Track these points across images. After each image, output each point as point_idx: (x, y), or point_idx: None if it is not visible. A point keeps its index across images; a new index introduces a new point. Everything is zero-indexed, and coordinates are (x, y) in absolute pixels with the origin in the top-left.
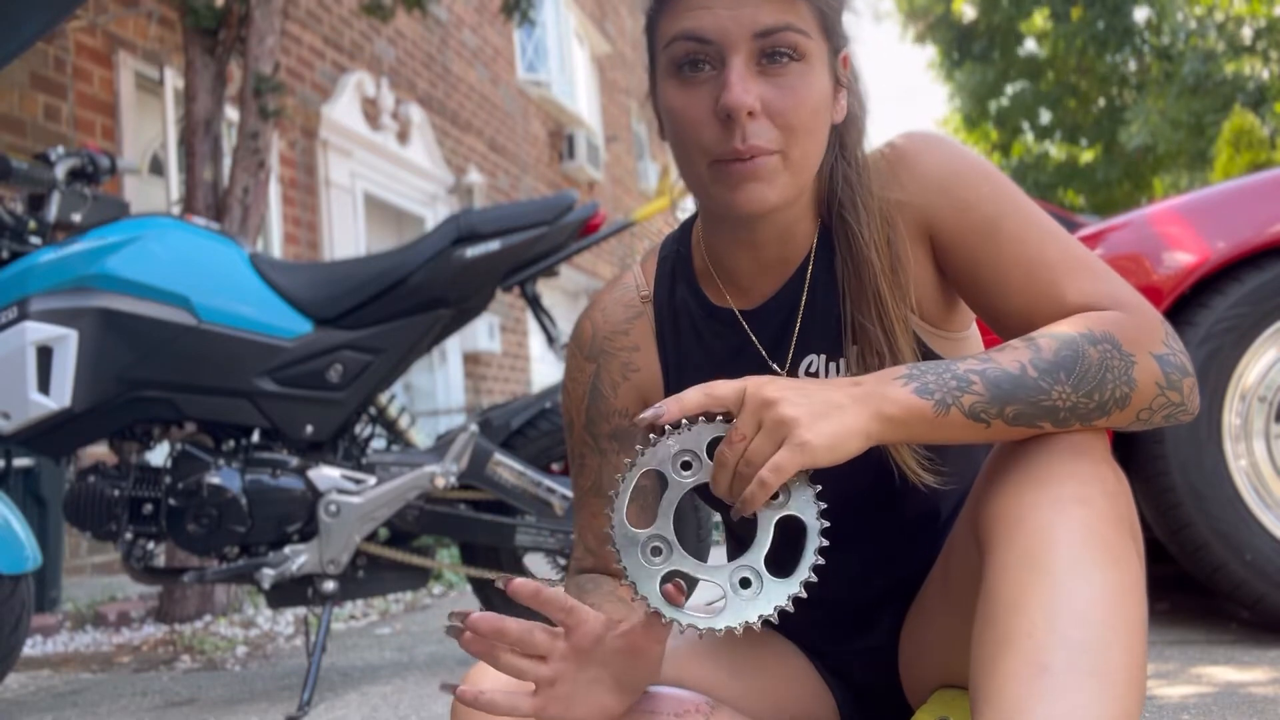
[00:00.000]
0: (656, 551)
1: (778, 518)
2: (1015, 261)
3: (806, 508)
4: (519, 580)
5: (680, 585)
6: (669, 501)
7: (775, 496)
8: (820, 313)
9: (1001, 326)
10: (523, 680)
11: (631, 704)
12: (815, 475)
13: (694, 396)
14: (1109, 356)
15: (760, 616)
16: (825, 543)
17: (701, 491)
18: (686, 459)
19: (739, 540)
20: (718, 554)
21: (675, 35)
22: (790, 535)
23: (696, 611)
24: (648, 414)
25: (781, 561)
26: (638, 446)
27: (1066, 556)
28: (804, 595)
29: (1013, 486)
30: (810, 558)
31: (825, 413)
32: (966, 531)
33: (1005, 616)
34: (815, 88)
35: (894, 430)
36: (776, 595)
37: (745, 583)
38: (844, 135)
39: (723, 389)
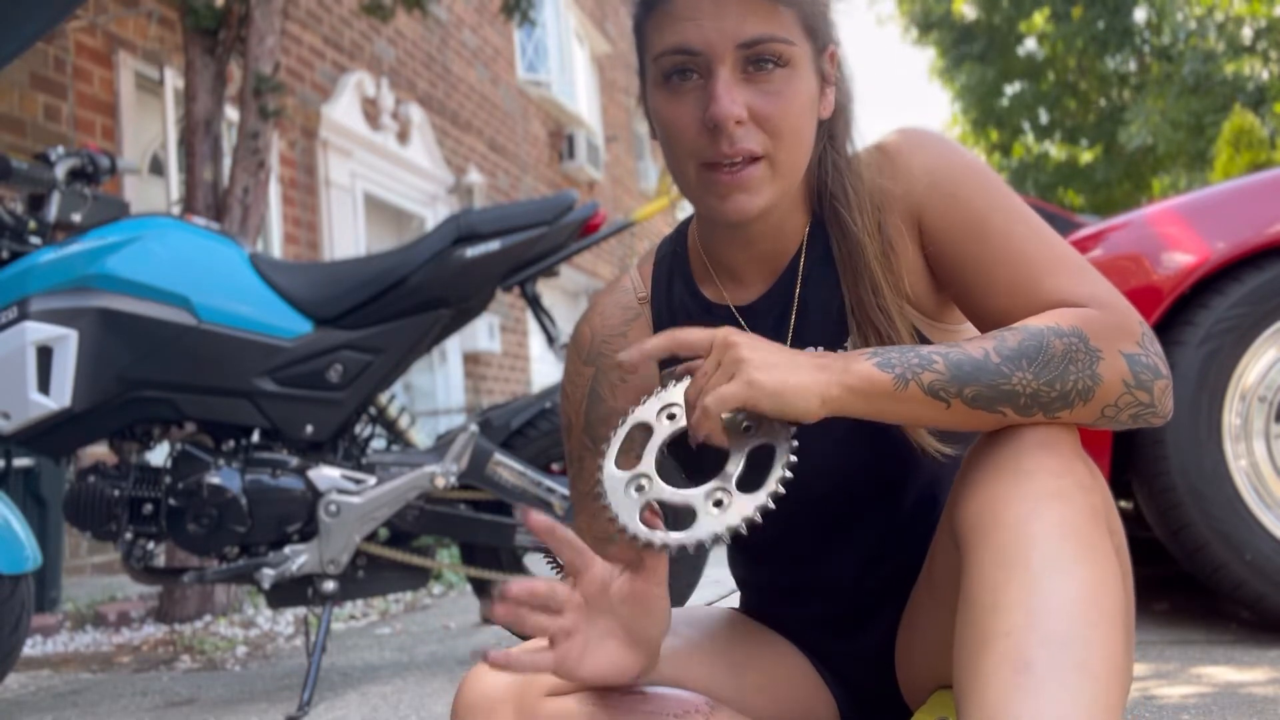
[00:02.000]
0: (640, 489)
1: (750, 446)
2: (999, 258)
3: (778, 435)
4: (536, 513)
5: (654, 508)
6: (651, 446)
7: (748, 429)
8: (814, 305)
9: (982, 321)
10: (544, 634)
11: (646, 664)
12: (805, 460)
13: (658, 340)
14: (1074, 349)
15: (728, 528)
16: (794, 459)
17: (677, 452)
18: (673, 411)
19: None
20: None
21: (663, 49)
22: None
23: (675, 533)
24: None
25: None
26: (629, 406)
27: (1043, 552)
28: (771, 507)
29: (985, 484)
30: (778, 472)
31: (780, 364)
32: (946, 531)
33: (984, 615)
34: (801, 92)
35: (853, 400)
36: (745, 508)
37: (719, 503)
38: (833, 128)
39: (693, 333)
